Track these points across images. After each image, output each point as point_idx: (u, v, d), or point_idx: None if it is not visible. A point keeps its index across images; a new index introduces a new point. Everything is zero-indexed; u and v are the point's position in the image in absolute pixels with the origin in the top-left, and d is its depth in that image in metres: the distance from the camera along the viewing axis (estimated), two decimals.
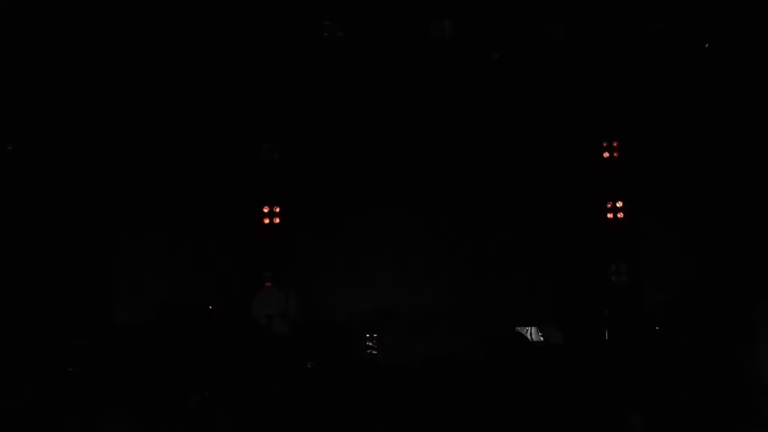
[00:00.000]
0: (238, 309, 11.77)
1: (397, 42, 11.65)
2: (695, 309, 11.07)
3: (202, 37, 11.46)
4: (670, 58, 12.13)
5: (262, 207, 12.55)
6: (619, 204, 12.60)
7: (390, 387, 11.72)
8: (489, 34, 11.96)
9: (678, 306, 11.33)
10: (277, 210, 12.61)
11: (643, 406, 8.76)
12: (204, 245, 12.29)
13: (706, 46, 12.11)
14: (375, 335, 12.11)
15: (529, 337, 12.08)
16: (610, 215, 12.62)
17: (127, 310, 11.93)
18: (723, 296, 10.85)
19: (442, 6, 11.40)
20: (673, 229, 12.28)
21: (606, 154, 12.67)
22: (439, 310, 12.22)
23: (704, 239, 12.10)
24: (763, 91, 11.94)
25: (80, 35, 11.34)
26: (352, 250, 12.51)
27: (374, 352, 12.12)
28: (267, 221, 12.59)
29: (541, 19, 11.73)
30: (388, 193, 12.50)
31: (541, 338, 12.08)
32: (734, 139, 12.13)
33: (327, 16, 11.34)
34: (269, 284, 11.67)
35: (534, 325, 12.10)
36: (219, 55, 11.70)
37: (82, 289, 11.96)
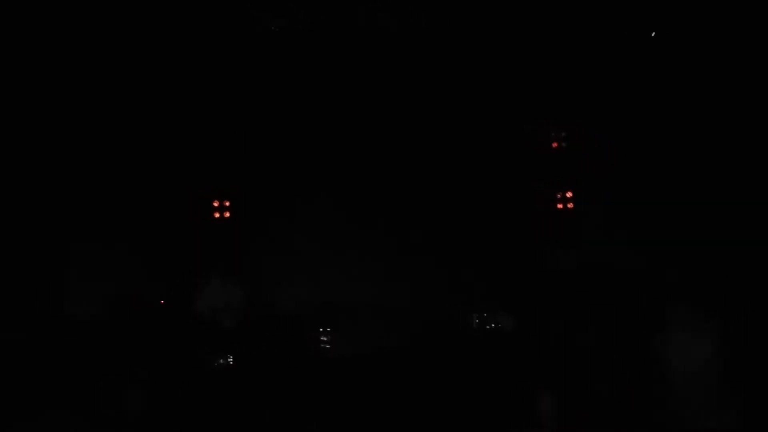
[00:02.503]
0: (187, 304, 11.79)
1: (336, 32, 11.72)
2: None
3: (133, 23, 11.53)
4: (620, 48, 12.25)
5: (212, 201, 12.57)
6: (569, 194, 12.68)
7: (340, 379, 11.80)
8: (435, 24, 12.04)
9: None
10: (227, 204, 12.63)
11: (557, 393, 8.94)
12: (153, 240, 12.29)
13: (653, 34, 12.24)
14: (326, 328, 12.16)
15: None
16: (560, 205, 12.70)
17: (77, 306, 11.91)
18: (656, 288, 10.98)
19: None
20: (621, 219, 12.35)
21: (555, 144, 12.76)
22: (390, 301, 12.25)
23: (652, 230, 12.17)
24: (713, 79, 12.03)
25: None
26: (301, 243, 12.51)
27: (325, 345, 12.17)
28: (217, 216, 12.61)
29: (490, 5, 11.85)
30: (339, 185, 12.53)
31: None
32: (685, 130, 12.21)
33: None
34: (218, 278, 11.72)
35: (485, 313, 12.19)
36: (153, 46, 11.77)
37: (31, 284, 11.94)
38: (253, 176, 12.57)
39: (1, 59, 11.56)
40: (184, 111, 12.40)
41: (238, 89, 12.33)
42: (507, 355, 11.70)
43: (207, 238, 12.44)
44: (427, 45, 12.10)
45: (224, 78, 12.21)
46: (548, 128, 12.72)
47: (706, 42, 11.78)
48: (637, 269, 11.54)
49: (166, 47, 11.77)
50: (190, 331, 11.85)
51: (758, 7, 11.51)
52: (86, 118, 12.24)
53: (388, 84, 12.37)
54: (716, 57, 11.76)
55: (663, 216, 11.93)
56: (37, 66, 11.70)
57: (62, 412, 11.20)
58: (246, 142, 12.56)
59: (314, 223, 12.54)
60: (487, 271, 12.40)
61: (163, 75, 12.05)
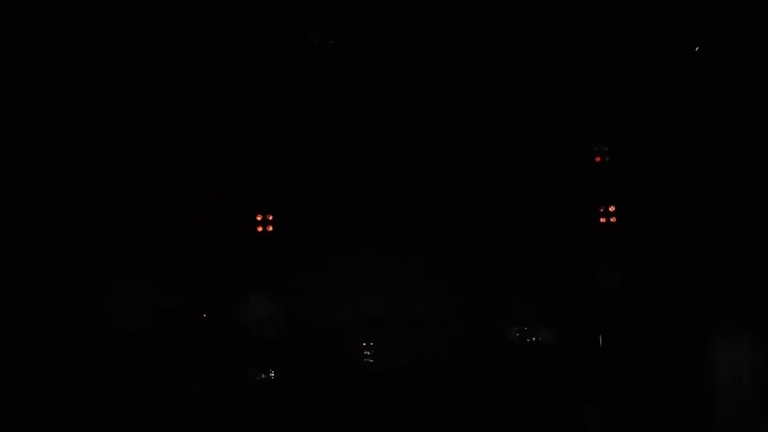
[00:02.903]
0: (229, 315, 11.89)
1: (382, 46, 11.79)
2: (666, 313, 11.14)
3: (188, 39, 11.67)
4: (662, 61, 12.20)
5: (255, 215, 12.66)
6: (612, 209, 12.61)
7: (381, 390, 11.82)
8: (482, 36, 12.06)
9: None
10: (270, 218, 12.72)
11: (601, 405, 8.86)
12: (194, 252, 12.40)
13: (696, 49, 12.17)
14: (366, 341, 12.20)
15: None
16: (603, 219, 12.62)
17: (118, 318, 12.03)
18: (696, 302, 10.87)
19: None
20: (665, 234, 12.25)
21: (598, 159, 12.71)
22: (428, 313, 12.26)
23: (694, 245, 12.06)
24: (759, 95, 11.94)
25: None
26: (342, 256, 12.56)
27: (368, 359, 12.20)
28: (260, 229, 12.69)
29: (534, 20, 11.85)
30: (375, 199, 12.57)
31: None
32: (728, 145, 12.11)
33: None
34: (259, 291, 11.81)
35: (525, 327, 12.17)
36: (205, 61, 11.90)
37: (73, 293, 12.08)
38: (295, 190, 12.67)
39: (39, 69, 11.76)
40: (223, 125, 12.55)
41: (285, 103, 12.46)
42: (547, 369, 11.67)
43: (250, 251, 12.55)
44: (469, 50, 12.13)
45: (270, 90, 12.33)
46: (590, 141, 12.71)
47: (753, 52, 11.70)
48: (682, 282, 11.45)
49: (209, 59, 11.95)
50: (231, 344, 11.93)
51: None
52: (124, 134, 12.42)
53: (442, 98, 12.42)
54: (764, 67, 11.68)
55: (709, 229, 11.86)
56: (75, 79, 11.93)
57: (100, 425, 11.32)
58: (287, 155, 12.66)
59: (355, 236, 12.58)
60: (527, 285, 12.38)
61: (213, 87, 12.22)
